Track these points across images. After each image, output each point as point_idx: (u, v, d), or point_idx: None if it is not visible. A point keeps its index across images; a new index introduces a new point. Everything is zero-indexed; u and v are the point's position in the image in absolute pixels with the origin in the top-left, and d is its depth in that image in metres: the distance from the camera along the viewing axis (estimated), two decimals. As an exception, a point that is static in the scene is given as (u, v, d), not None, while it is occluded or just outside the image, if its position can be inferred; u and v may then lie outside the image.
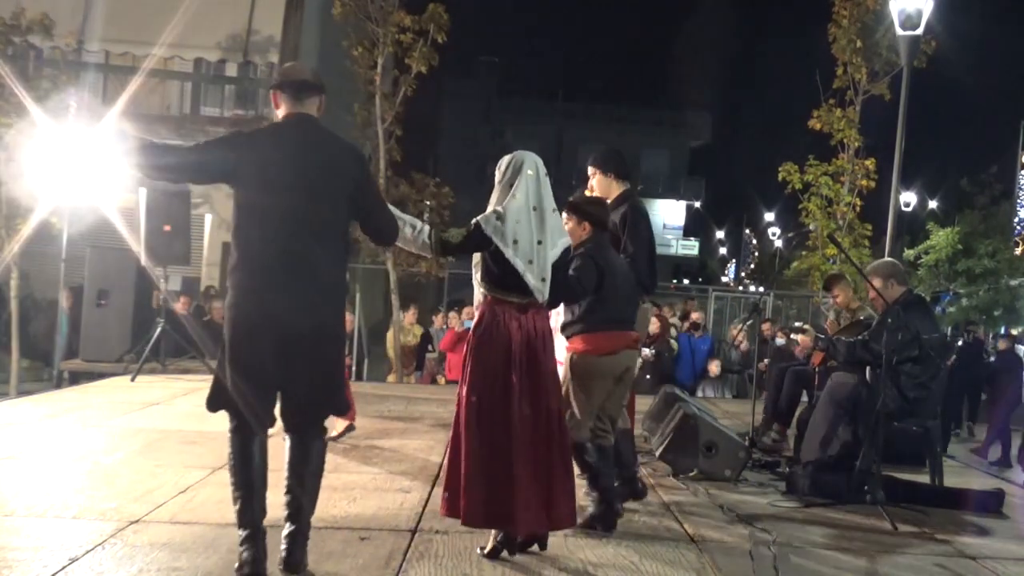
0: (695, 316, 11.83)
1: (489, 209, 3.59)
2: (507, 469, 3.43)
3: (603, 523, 3.97)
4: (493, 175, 3.68)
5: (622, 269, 4.18)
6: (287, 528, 3.16)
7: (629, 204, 4.60)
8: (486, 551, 3.54)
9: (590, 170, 4.75)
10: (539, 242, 3.52)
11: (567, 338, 4.12)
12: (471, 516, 3.46)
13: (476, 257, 3.68)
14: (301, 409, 3.21)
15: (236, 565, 3.15)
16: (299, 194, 3.11)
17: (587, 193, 4.98)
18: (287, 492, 3.18)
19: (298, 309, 3.08)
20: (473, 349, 3.56)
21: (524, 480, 3.44)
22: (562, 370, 4.17)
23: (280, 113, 3.31)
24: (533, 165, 3.60)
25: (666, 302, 15.12)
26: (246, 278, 3.11)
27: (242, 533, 3.14)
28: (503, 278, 3.52)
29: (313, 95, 3.29)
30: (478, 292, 3.72)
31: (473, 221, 3.56)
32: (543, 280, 3.53)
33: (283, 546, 3.14)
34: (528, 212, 3.53)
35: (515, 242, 3.47)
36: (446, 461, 3.65)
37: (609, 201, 4.55)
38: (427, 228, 3.67)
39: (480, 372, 3.51)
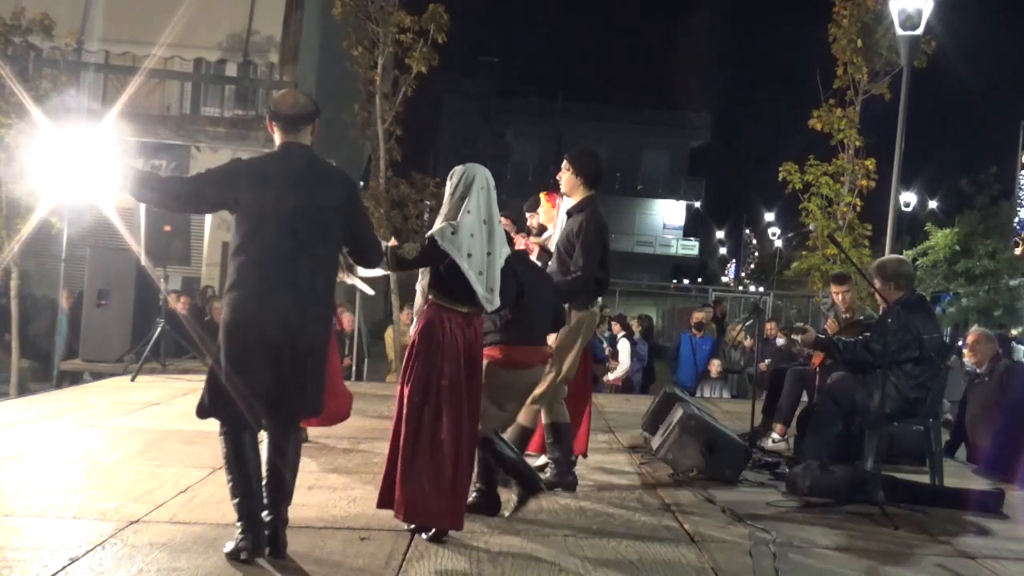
0: (698, 316, 11.81)
1: (439, 222, 3.74)
2: (447, 467, 3.59)
3: (487, 510, 4.08)
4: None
5: (541, 283, 4.28)
6: (268, 515, 3.34)
7: (586, 213, 4.67)
8: (430, 535, 3.69)
9: (564, 164, 4.82)
10: (488, 253, 3.71)
11: (485, 345, 4.20)
12: (410, 512, 3.62)
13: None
14: (282, 411, 3.40)
15: (231, 548, 3.29)
16: (294, 222, 3.31)
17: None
18: (267, 479, 3.37)
19: (292, 326, 3.29)
20: (418, 351, 3.70)
21: (461, 477, 3.65)
22: None
23: (276, 140, 3.48)
24: (484, 179, 3.79)
25: (668, 303, 15.15)
26: (243, 298, 3.29)
27: (241, 524, 3.31)
28: (453, 288, 3.68)
29: (305, 124, 3.45)
30: (420, 298, 3.87)
31: (427, 235, 3.73)
32: (491, 290, 3.72)
33: (266, 532, 3.32)
34: (480, 225, 3.71)
35: (469, 255, 3.65)
36: (386, 456, 3.78)
37: (572, 203, 4.76)
38: (383, 244, 3.81)
39: (425, 373, 3.65)
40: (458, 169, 3.84)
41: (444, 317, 3.69)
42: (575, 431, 4.93)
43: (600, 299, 5.19)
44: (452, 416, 3.62)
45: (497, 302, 3.76)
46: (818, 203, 11.09)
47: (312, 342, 3.38)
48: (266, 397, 3.32)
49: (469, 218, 3.69)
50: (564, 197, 4.95)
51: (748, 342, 11.17)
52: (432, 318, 3.71)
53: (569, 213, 4.79)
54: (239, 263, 3.30)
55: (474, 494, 4.07)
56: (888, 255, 7.86)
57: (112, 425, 5.96)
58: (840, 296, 6.44)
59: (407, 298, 11.94)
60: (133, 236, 8.33)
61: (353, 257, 3.70)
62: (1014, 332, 17.56)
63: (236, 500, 3.32)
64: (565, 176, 4.77)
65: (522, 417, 4.54)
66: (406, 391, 3.68)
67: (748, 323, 11.67)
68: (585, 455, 5.20)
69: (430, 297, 3.77)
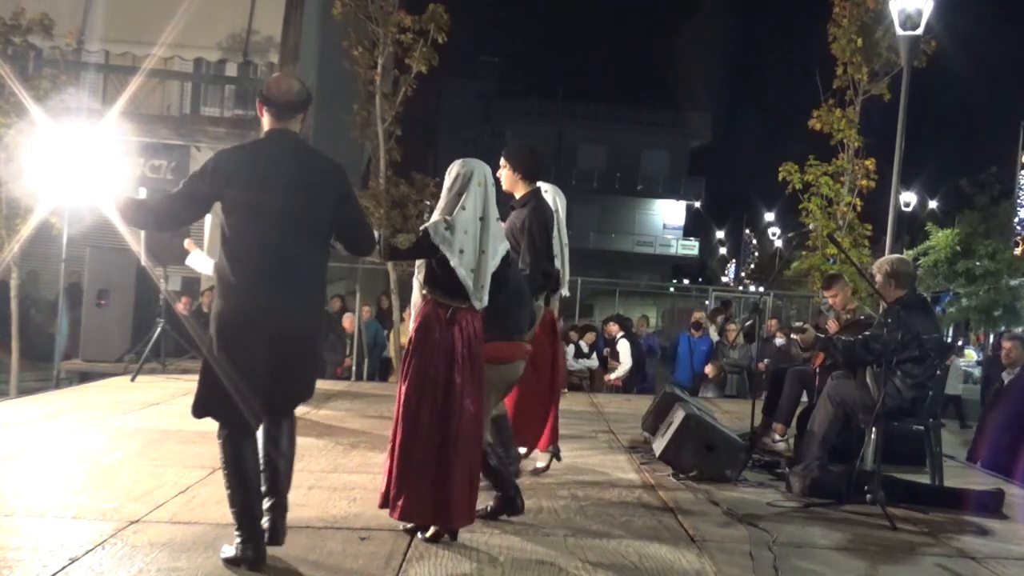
0: (697, 315, 11.82)
1: (436, 216, 3.72)
2: (446, 466, 3.57)
3: (509, 510, 4.02)
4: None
5: (516, 279, 4.22)
6: (267, 502, 3.30)
7: (529, 207, 4.62)
8: (428, 535, 3.67)
9: (501, 161, 4.77)
10: (482, 251, 3.68)
11: None
12: (407, 511, 3.60)
13: (420, 260, 3.82)
14: (282, 400, 3.39)
15: (232, 555, 3.23)
16: (286, 209, 3.26)
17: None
18: (264, 468, 3.33)
19: (286, 315, 3.27)
20: (415, 349, 3.68)
21: (462, 476, 3.60)
22: None
23: (264, 124, 3.41)
24: (482, 175, 3.75)
25: (668, 303, 15.15)
26: (238, 287, 3.25)
27: (240, 535, 3.24)
28: (447, 284, 3.65)
29: (297, 112, 3.40)
30: (417, 293, 3.85)
31: (421, 228, 3.70)
32: (482, 287, 3.69)
33: (265, 520, 3.28)
34: (475, 222, 3.68)
35: (461, 251, 3.63)
36: (386, 457, 3.75)
37: (516, 198, 4.73)
38: (376, 233, 3.79)
39: (422, 371, 3.63)
40: (456, 163, 3.80)
41: (439, 313, 3.67)
42: (538, 428, 4.94)
43: (561, 292, 5.03)
44: (445, 414, 3.60)
45: (486, 300, 3.72)
46: (818, 203, 11.10)
47: (305, 330, 3.37)
48: (260, 389, 3.27)
49: (464, 214, 3.66)
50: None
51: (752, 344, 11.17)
52: (428, 314, 3.70)
53: (512, 207, 4.74)
54: (230, 253, 3.25)
55: (493, 498, 4.04)
56: (889, 254, 7.85)
57: (112, 425, 5.96)
58: (831, 299, 6.43)
59: (407, 299, 11.95)
60: (133, 236, 8.32)
61: (344, 244, 3.59)
62: (1016, 331, 17.55)
63: (235, 509, 3.25)
64: (503, 173, 4.71)
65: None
66: (403, 389, 3.68)
67: (748, 323, 11.65)
68: (559, 457, 5.14)
69: (424, 292, 3.76)
